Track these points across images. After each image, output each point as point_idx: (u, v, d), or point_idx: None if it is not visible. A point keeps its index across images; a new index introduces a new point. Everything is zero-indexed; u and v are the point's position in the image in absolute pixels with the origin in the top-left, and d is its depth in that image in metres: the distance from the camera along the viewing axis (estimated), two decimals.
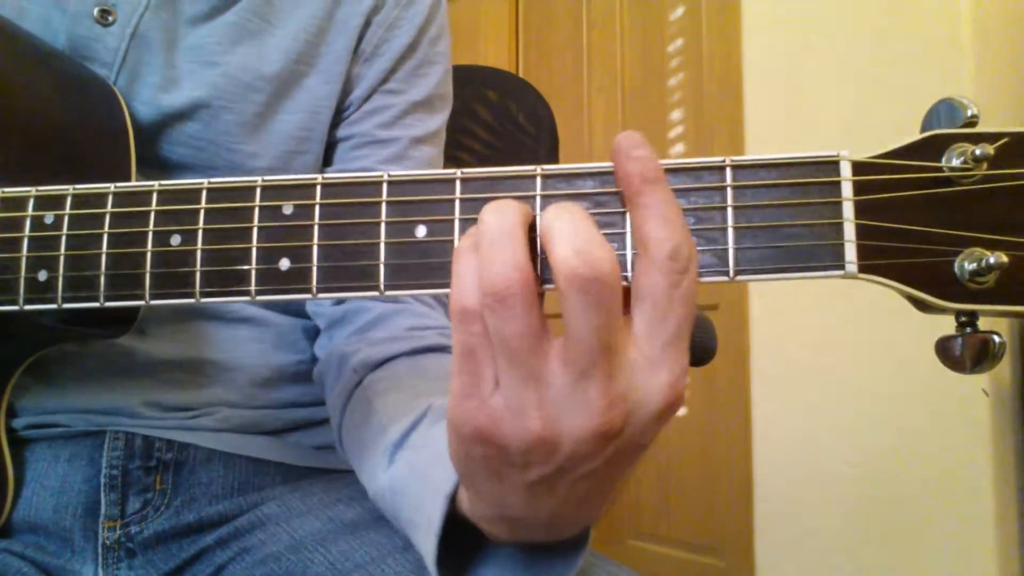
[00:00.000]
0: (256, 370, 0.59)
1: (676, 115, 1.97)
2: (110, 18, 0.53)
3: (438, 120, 0.67)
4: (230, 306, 0.59)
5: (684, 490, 1.92)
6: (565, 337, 0.29)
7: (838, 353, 1.58)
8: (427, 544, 0.38)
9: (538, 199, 0.33)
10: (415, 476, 0.42)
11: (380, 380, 0.54)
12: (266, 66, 0.58)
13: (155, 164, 0.55)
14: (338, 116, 0.63)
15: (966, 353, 0.29)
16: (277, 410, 0.61)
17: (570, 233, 0.29)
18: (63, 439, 0.54)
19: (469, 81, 1.08)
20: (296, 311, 0.64)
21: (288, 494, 0.57)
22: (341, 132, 0.63)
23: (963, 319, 0.30)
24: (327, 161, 0.64)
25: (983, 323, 0.30)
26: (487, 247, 0.29)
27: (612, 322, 0.28)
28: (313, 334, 0.64)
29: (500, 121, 1.08)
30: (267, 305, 0.61)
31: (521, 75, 2.20)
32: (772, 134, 1.72)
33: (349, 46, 0.61)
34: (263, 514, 0.55)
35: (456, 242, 0.34)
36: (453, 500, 0.38)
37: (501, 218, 0.30)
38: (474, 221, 0.34)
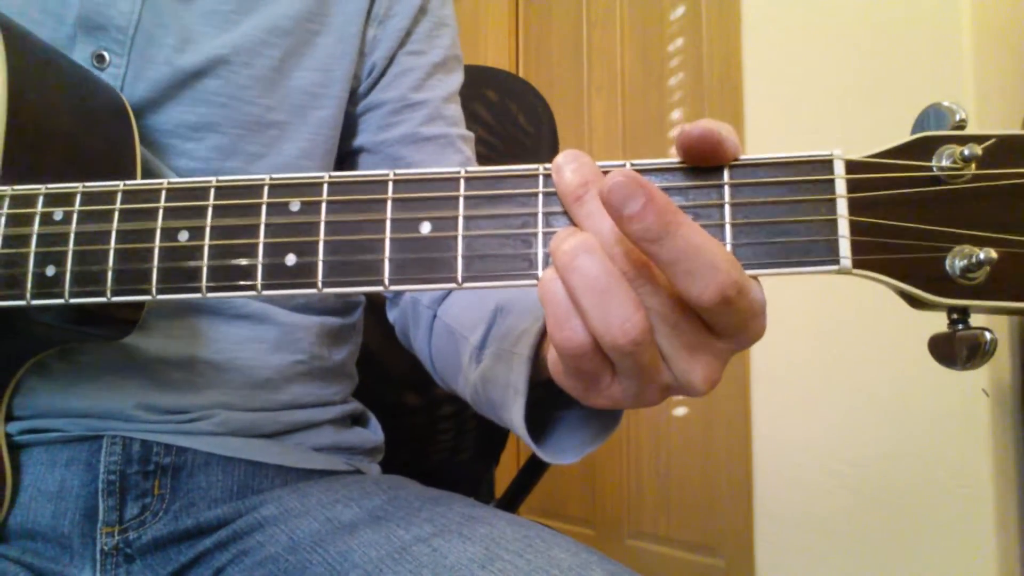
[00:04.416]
0: (254, 371, 0.59)
1: (676, 115, 1.98)
2: None
3: (456, 80, 0.71)
4: (232, 302, 0.59)
5: (684, 490, 1.92)
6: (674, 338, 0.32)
7: (838, 353, 1.58)
8: (516, 409, 0.43)
9: (540, 196, 0.34)
10: (500, 362, 0.46)
11: (451, 306, 0.59)
12: (279, 23, 0.60)
13: (174, 130, 0.56)
14: (363, 81, 0.66)
15: (957, 349, 0.30)
16: (276, 412, 0.60)
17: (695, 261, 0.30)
18: (60, 444, 0.54)
19: (469, 81, 1.07)
20: (302, 307, 0.63)
21: (286, 495, 0.56)
22: (375, 97, 0.66)
23: (955, 316, 0.30)
24: (367, 127, 0.67)
25: (977, 321, 0.31)
26: (597, 300, 0.31)
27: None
28: (317, 332, 0.64)
29: (500, 121, 1.09)
30: (272, 300, 0.61)
31: (521, 75, 2.20)
32: (772, 134, 1.72)
33: (362, 8, 0.64)
34: (261, 516, 0.55)
35: (460, 239, 0.35)
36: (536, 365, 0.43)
37: (598, 262, 0.31)
38: (477, 218, 0.35)
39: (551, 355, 0.36)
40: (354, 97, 0.66)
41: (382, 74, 0.66)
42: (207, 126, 0.57)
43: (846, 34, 1.59)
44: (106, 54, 0.54)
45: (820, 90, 1.63)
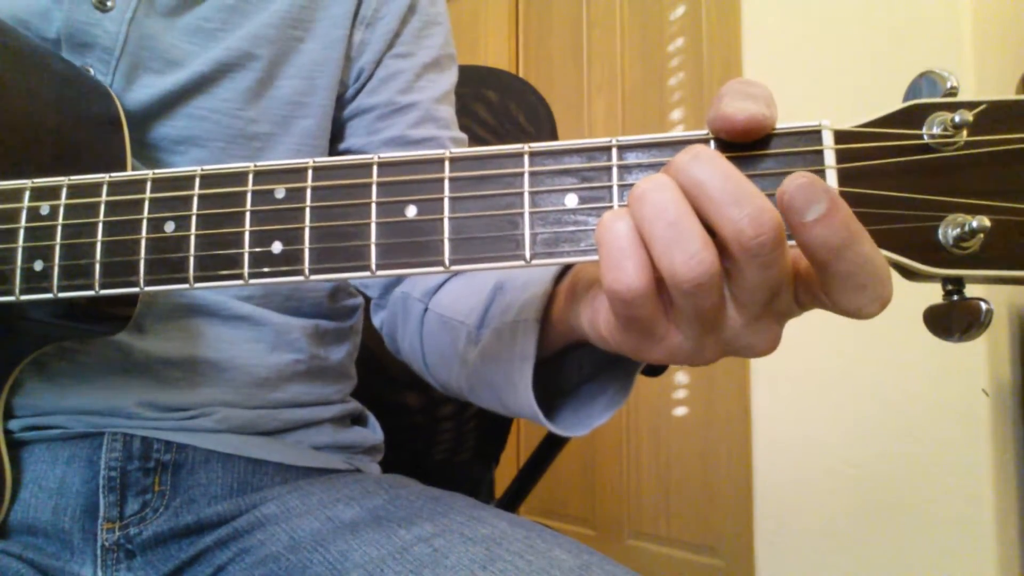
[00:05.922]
0: (253, 370, 0.59)
1: (676, 115, 1.98)
2: (108, 4, 0.54)
3: (449, 79, 0.69)
4: (227, 304, 0.59)
5: (684, 490, 1.91)
6: (739, 289, 0.30)
7: (838, 353, 1.57)
8: (523, 378, 0.42)
9: (526, 176, 0.34)
10: (502, 336, 0.45)
11: (442, 297, 0.58)
12: (263, 31, 0.59)
13: (156, 143, 0.56)
14: (350, 86, 0.65)
15: (954, 321, 0.29)
16: (275, 410, 0.60)
17: (734, 195, 0.29)
18: (61, 440, 0.54)
19: (469, 81, 1.08)
20: (295, 310, 0.63)
21: (287, 494, 0.56)
22: (362, 102, 0.65)
23: (950, 287, 0.30)
24: (354, 132, 0.65)
25: (972, 292, 0.30)
26: (666, 232, 0.29)
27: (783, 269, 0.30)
28: (312, 333, 0.64)
29: (500, 121, 1.08)
30: (265, 304, 0.61)
31: (521, 75, 2.19)
32: None
33: (348, 12, 0.62)
34: (262, 514, 0.55)
35: (446, 221, 0.35)
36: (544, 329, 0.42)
37: (671, 194, 0.30)
38: (463, 200, 0.35)
39: (602, 316, 0.35)
40: (341, 102, 0.65)
41: (369, 78, 0.64)
42: (189, 140, 0.56)
43: (846, 34, 1.59)
44: (91, 71, 0.54)
45: (820, 90, 1.63)
